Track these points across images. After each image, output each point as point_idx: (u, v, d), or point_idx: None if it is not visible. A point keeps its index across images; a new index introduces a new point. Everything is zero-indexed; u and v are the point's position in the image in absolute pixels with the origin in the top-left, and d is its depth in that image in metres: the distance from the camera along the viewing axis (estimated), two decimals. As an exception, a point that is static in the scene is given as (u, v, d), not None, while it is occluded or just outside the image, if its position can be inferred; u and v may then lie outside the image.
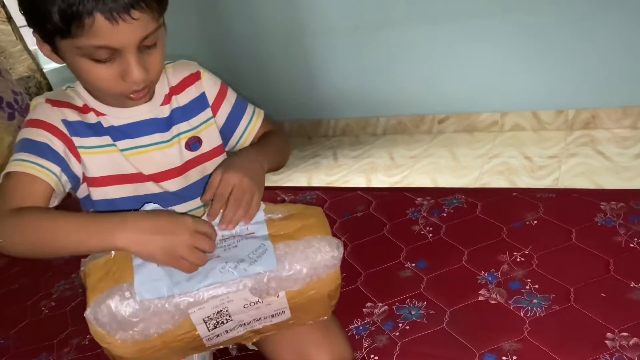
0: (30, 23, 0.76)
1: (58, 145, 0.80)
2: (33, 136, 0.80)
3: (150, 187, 0.87)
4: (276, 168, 0.93)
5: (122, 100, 0.82)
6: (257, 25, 2.77)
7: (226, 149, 0.96)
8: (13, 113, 1.59)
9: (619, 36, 2.20)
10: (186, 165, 0.90)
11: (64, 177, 0.80)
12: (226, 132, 0.95)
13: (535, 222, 1.12)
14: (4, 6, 1.84)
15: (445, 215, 1.22)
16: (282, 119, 2.91)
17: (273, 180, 2.48)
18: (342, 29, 2.62)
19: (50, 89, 1.96)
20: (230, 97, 0.95)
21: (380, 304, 0.99)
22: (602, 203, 1.13)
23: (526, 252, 1.04)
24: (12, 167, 0.77)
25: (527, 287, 0.95)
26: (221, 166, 0.81)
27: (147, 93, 0.81)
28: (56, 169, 0.79)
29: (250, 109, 0.97)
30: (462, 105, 2.58)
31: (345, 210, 1.33)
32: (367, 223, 1.26)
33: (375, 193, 1.39)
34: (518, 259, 1.02)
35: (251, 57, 2.85)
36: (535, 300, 0.92)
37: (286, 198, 1.45)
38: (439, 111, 2.64)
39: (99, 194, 0.85)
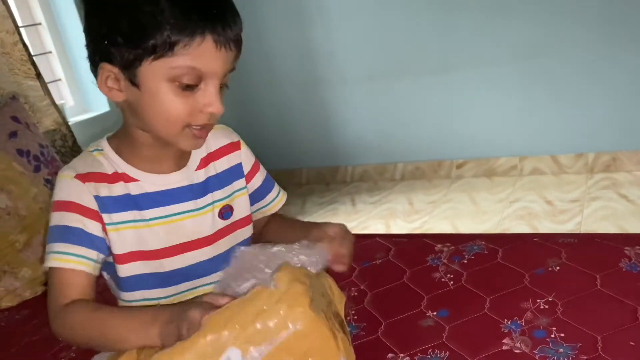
0: (116, 41, 0.73)
1: (93, 227, 0.80)
2: (66, 222, 0.79)
3: (177, 262, 0.85)
4: None
5: (180, 141, 0.80)
6: (275, 76, 2.84)
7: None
8: (39, 165, 1.64)
9: (637, 78, 2.20)
10: (217, 234, 0.88)
11: (102, 256, 0.81)
12: (252, 201, 0.96)
13: (558, 268, 1.10)
14: (33, 63, 1.92)
15: (466, 262, 1.20)
16: (300, 166, 2.94)
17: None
18: (357, 78, 2.68)
19: (74, 142, 2.01)
20: (262, 172, 0.98)
21: (402, 355, 0.97)
22: (626, 248, 1.11)
23: (550, 300, 1.01)
24: (51, 261, 0.79)
25: (553, 336, 0.92)
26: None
27: (207, 133, 0.81)
28: (93, 254, 0.80)
29: (276, 188, 1.01)
30: (480, 150, 2.58)
31: (364, 258, 1.32)
32: (387, 270, 1.24)
33: (394, 240, 1.38)
34: (542, 307, 1.00)
35: (270, 107, 2.91)
36: (561, 350, 0.89)
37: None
38: (457, 156, 2.64)
39: (124, 270, 0.83)
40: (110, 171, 0.82)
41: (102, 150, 0.84)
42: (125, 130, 0.84)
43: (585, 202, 2.16)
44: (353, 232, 2.56)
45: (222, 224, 0.89)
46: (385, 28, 2.55)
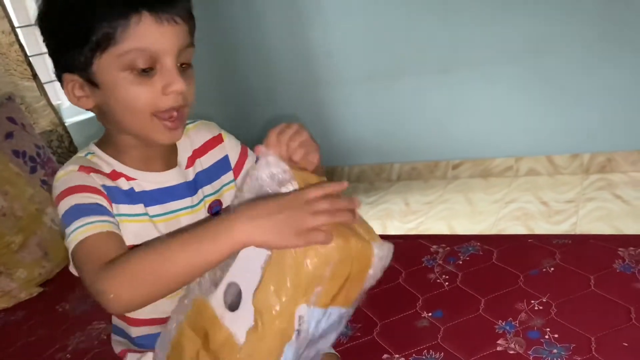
0: (65, 48, 0.74)
1: (106, 204, 0.76)
2: (81, 201, 0.74)
3: None
4: None
5: (154, 135, 0.77)
6: (273, 76, 2.85)
7: None
8: (35, 166, 1.64)
9: (633, 79, 2.21)
10: None
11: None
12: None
13: (552, 269, 1.11)
14: (29, 64, 1.92)
15: (461, 262, 1.21)
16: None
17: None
18: (354, 79, 2.68)
19: (71, 142, 2.01)
20: (252, 156, 0.94)
21: (397, 356, 0.97)
22: (620, 249, 1.12)
23: (544, 300, 1.02)
24: (78, 236, 0.71)
25: (547, 337, 0.93)
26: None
27: (182, 117, 0.78)
28: (114, 220, 0.75)
29: None
30: (476, 151, 2.59)
31: (360, 259, 1.32)
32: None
33: (390, 240, 1.38)
34: (536, 308, 1.01)
35: (267, 107, 2.92)
36: (555, 350, 0.90)
37: (301, 247, 1.45)
38: (453, 157, 2.65)
39: None
40: (108, 170, 0.81)
41: (93, 153, 0.83)
42: (107, 136, 0.84)
43: (580, 202, 2.16)
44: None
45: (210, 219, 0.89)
46: (382, 29, 2.56)
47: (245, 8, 2.76)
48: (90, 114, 0.83)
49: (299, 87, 2.82)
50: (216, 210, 0.89)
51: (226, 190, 0.91)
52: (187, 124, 0.91)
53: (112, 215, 0.76)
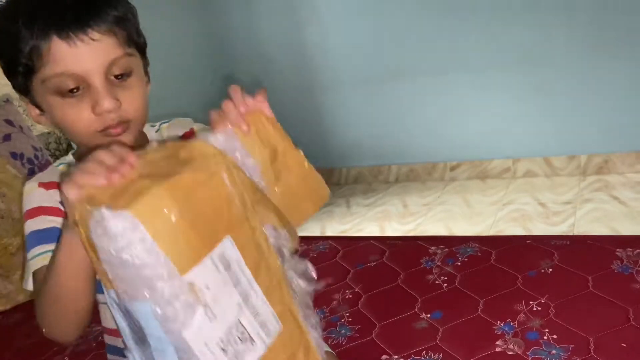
0: (9, 77, 0.75)
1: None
2: (39, 225, 0.77)
3: None
4: None
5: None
6: (270, 78, 2.85)
7: None
8: (33, 168, 1.63)
9: (629, 81, 2.22)
10: None
11: None
12: None
13: (550, 270, 1.11)
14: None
15: (459, 264, 1.21)
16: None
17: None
18: (351, 81, 2.69)
19: (69, 145, 2.01)
20: None
21: (396, 357, 0.97)
22: (617, 250, 1.12)
23: (542, 301, 1.02)
24: (32, 266, 0.74)
25: (545, 338, 0.93)
26: None
27: (125, 130, 0.74)
28: None
29: None
30: (474, 152, 2.59)
31: (358, 260, 1.32)
32: (381, 273, 1.25)
33: (388, 242, 1.39)
34: (534, 308, 1.01)
35: (264, 109, 2.91)
36: (554, 351, 0.90)
37: (308, 247, 1.45)
38: (451, 158, 2.65)
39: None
40: None
41: (67, 163, 0.83)
42: (77, 146, 0.84)
43: (578, 204, 2.17)
44: (348, 234, 2.54)
45: None
46: (380, 32, 2.56)
47: (242, 11, 2.76)
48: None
49: (297, 89, 2.82)
50: None
51: None
52: (162, 123, 0.90)
53: None
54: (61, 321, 0.69)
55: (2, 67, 0.76)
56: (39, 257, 0.74)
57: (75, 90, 0.70)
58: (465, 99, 2.51)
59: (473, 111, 2.51)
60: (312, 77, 2.77)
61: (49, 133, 1.97)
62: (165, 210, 0.55)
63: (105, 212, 0.53)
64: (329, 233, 2.37)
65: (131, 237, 0.53)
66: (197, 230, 0.57)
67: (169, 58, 2.58)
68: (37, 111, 0.76)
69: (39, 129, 1.93)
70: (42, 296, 0.69)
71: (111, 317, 0.69)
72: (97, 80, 0.70)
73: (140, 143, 0.81)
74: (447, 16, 2.41)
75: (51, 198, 0.78)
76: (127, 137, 0.76)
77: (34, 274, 0.74)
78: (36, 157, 1.66)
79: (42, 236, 0.76)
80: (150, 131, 0.88)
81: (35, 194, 0.79)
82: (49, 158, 1.75)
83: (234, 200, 0.62)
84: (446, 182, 2.64)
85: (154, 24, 2.52)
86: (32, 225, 0.77)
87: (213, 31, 2.81)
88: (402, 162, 2.76)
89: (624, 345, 0.88)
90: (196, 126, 0.90)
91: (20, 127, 1.68)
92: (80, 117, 0.71)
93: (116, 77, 0.72)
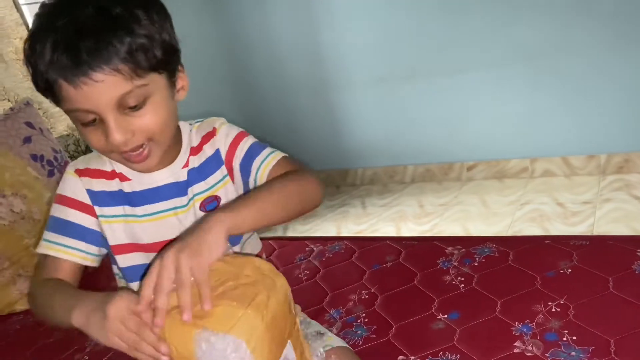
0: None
1: (86, 221, 0.85)
2: (60, 214, 0.86)
3: None
4: (282, 215, 0.80)
5: (127, 165, 0.82)
6: (284, 79, 2.85)
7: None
8: (52, 170, 1.66)
9: (648, 79, 2.19)
10: None
11: (94, 248, 0.86)
12: (244, 175, 0.89)
13: (569, 270, 1.10)
14: (47, 69, 1.95)
15: (476, 264, 1.20)
16: (309, 169, 2.94)
17: (300, 230, 2.49)
18: (366, 81, 2.68)
19: (87, 146, 2.04)
20: (246, 141, 0.90)
21: (413, 357, 0.97)
22: (639, 250, 1.10)
23: (562, 302, 1.01)
24: (43, 248, 0.85)
25: (565, 339, 0.92)
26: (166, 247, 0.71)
27: (146, 155, 0.79)
28: (81, 244, 0.85)
29: (267, 150, 0.89)
30: (491, 152, 2.57)
31: (374, 261, 1.32)
32: (397, 273, 1.25)
33: (404, 242, 1.38)
34: (553, 309, 1.00)
35: (280, 111, 2.92)
36: (573, 353, 0.89)
37: (315, 248, 1.45)
38: (467, 158, 2.63)
39: (123, 261, 0.88)
40: (109, 169, 0.87)
41: None
42: None
43: (597, 204, 2.14)
44: (363, 234, 2.54)
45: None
46: (394, 31, 2.55)
47: (256, 11, 2.77)
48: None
49: (311, 90, 2.82)
50: (212, 207, 0.88)
51: (222, 185, 0.89)
52: (197, 122, 0.93)
53: (82, 236, 0.85)
54: (48, 322, 0.82)
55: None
56: (49, 243, 0.85)
57: (93, 121, 0.75)
58: (481, 98, 2.49)
59: (490, 110, 2.49)
60: (327, 78, 2.77)
61: (68, 135, 2.00)
62: (257, 329, 0.66)
63: (210, 334, 0.65)
64: (344, 233, 2.37)
65: (234, 355, 0.65)
66: (275, 341, 0.69)
67: (184, 58, 2.59)
68: None
69: (59, 131, 1.96)
70: (36, 301, 0.82)
71: None
72: (108, 115, 0.73)
73: (174, 144, 0.87)
74: (462, 14, 2.39)
75: (79, 186, 0.86)
76: (154, 159, 0.81)
77: (41, 254, 0.86)
78: (56, 159, 1.69)
79: (58, 225, 0.85)
80: (185, 129, 0.91)
81: (66, 181, 0.87)
82: (69, 160, 1.77)
83: (291, 309, 0.74)
84: (463, 182, 2.62)
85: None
86: (55, 210, 0.86)
87: (227, 32, 2.83)
88: (418, 162, 2.75)
89: (646, 347, 0.87)
90: (218, 124, 0.92)
91: (41, 130, 1.71)
92: (99, 144, 0.77)
93: (130, 108, 0.74)
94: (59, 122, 1.98)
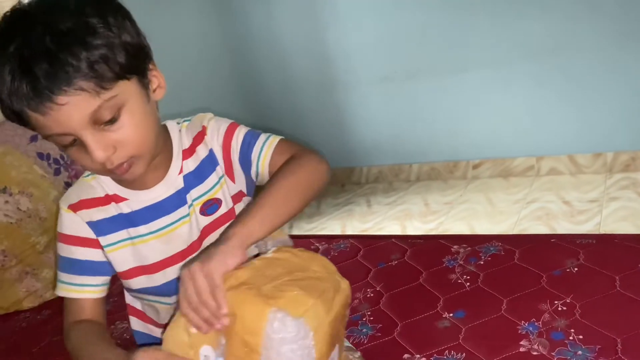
0: None
1: (93, 255, 0.85)
2: (66, 253, 0.86)
3: (177, 271, 0.82)
4: (292, 211, 0.78)
5: (116, 178, 0.81)
6: (290, 77, 2.85)
7: (257, 183, 0.89)
8: (59, 168, 1.67)
9: (655, 77, 2.17)
10: (203, 233, 0.85)
11: (106, 278, 0.88)
12: (245, 168, 0.86)
13: (576, 269, 1.09)
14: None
15: (482, 263, 1.20)
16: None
17: (305, 229, 2.49)
18: (372, 79, 2.68)
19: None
20: (239, 133, 0.86)
21: (418, 356, 0.97)
22: (646, 249, 1.10)
23: (568, 301, 1.00)
24: (59, 290, 0.87)
25: (571, 338, 0.92)
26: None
27: (131, 166, 0.74)
28: (97, 280, 0.86)
29: (262, 137, 0.86)
30: (497, 150, 2.56)
31: (379, 259, 1.32)
32: (403, 272, 1.25)
33: (410, 241, 1.38)
34: (560, 308, 0.99)
35: (285, 109, 2.92)
36: (580, 352, 0.88)
37: (320, 247, 1.45)
38: (473, 157, 2.62)
39: (132, 284, 0.88)
40: (102, 194, 0.84)
41: (95, 175, 0.85)
42: None
43: (604, 202, 2.13)
44: (369, 233, 2.54)
45: (206, 220, 0.85)
46: (399, 29, 2.54)
47: (262, 11, 2.77)
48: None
49: (316, 88, 2.82)
50: (213, 211, 0.85)
51: (219, 188, 0.86)
52: (185, 121, 0.88)
53: (95, 270, 0.85)
54: None
55: None
56: (63, 284, 0.86)
57: (74, 142, 0.71)
58: (487, 96, 2.48)
59: (495, 108, 2.48)
60: (332, 77, 2.76)
61: (74, 133, 2.00)
62: (324, 322, 0.68)
63: (285, 315, 0.66)
64: (349, 232, 2.37)
65: (300, 342, 0.66)
66: (331, 340, 0.71)
67: (190, 58, 2.60)
68: None
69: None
70: (70, 351, 0.84)
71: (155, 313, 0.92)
72: (85, 135, 0.69)
73: (164, 146, 0.83)
74: (467, 12, 2.38)
75: (78, 222, 0.84)
76: (137, 169, 0.76)
77: (65, 299, 0.87)
78: (62, 157, 1.70)
79: (71, 265, 0.86)
80: (174, 129, 0.87)
81: (64, 219, 0.85)
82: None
83: (347, 314, 0.75)
84: (468, 181, 2.61)
85: (176, 25, 2.55)
86: (61, 250, 0.87)
87: (233, 31, 2.83)
88: (423, 160, 2.74)
89: (653, 346, 0.86)
90: (206, 121, 0.87)
91: (47, 128, 1.72)
92: (86, 164, 0.74)
93: (105, 123, 0.70)
94: (65, 121, 1.98)
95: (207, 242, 0.85)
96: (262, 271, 0.71)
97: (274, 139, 0.85)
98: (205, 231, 0.85)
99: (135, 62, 0.71)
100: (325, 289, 0.70)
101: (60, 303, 1.48)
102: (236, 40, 2.85)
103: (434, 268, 1.22)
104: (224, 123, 0.86)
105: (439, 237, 1.42)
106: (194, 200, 0.85)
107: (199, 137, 0.86)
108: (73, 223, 0.84)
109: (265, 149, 0.84)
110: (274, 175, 0.81)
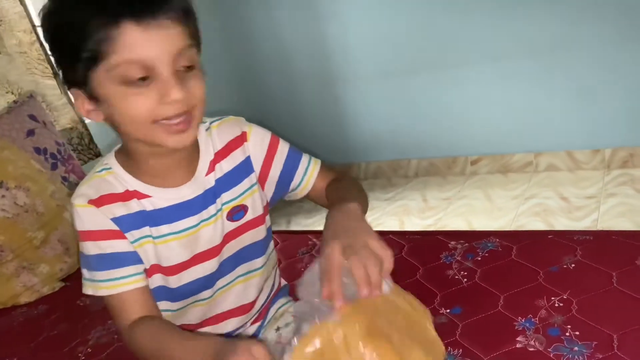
0: (64, 65, 0.74)
1: (124, 246, 0.79)
2: (96, 250, 0.79)
3: (193, 274, 0.84)
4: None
5: (161, 141, 0.74)
6: (289, 72, 2.85)
7: (285, 198, 0.92)
8: (56, 163, 1.66)
9: (654, 73, 2.17)
10: (225, 239, 0.85)
11: (144, 266, 0.81)
12: (283, 183, 0.89)
13: (573, 265, 1.09)
14: (50, 62, 1.95)
15: (479, 259, 1.19)
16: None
17: (304, 224, 2.49)
18: (371, 75, 2.67)
19: (91, 140, 2.04)
20: (283, 149, 0.89)
21: (415, 352, 0.96)
22: (643, 245, 1.10)
23: (565, 297, 1.00)
24: (102, 289, 0.79)
25: (567, 334, 0.92)
26: (329, 239, 0.71)
27: (189, 125, 0.74)
28: (137, 268, 0.80)
29: (305, 158, 0.91)
30: (495, 146, 2.56)
31: (377, 255, 1.31)
32: (400, 268, 1.23)
33: (407, 237, 1.38)
34: (556, 304, 0.99)
35: (284, 104, 2.92)
36: (576, 348, 0.88)
37: (317, 242, 1.45)
38: (472, 152, 2.62)
39: (150, 282, 0.83)
40: (121, 190, 0.80)
41: (110, 168, 0.81)
42: (124, 146, 0.81)
43: (601, 198, 2.13)
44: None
45: (230, 226, 0.85)
46: (399, 25, 2.54)
47: (261, 5, 2.76)
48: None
49: (316, 83, 2.82)
50: (239, 217, 0.85)
51: (250, 194, 0.86)
52: (213, 121, 0.87)
53: (134, 260, 0.80)
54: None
55: (58, 58, 0.74)
56: (105, 282, 0.79)
57: (142, 80, 0.69)
58: (485, 92, 2.47)
59: (494, 104, 2.48)
60: (332, 71, 2.76)
61: (71, 128, 2.00)
62: None
63: None
64: (348, 227, 2.36)
65: None
66: None
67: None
68: (90, 106, 0.75)
69: (62, 124, 1.96)
70: (146, 348, 0.76)
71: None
72: (166, 70, 0.69)
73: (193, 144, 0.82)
74: (468, 8, 2.38)
75: (101, 217, 0.78)
76: (192, 133, 0.76)
77: (105, 298, 0.80)
78: (59, 152, 1.69)
79: (106, 261, 0.79)
80: (201, 129, 0.85)
81: (85, 214, 0.79)
82: (72, 153, 1.78)
83: None
84: (467, 177, 2.61)
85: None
86: (92, 248, 0.79)
87: (234, 26, 2.82)
88: (422, 156, 2.74)
89: (649, 342, 0.86)
90: (247, 128, 0.88)
91: (44, 123, 1.71)
92: (145, 106, 0.70)
93: (182, 68, 0.72)
94: (63, 116, 1.98)
95: (228, 248, 0.85)
96: (387, 315, 0.68)
97: (317, 162, 0.92)
98: (228, 237, 0.85)
99: (201, 43, 0.77)
100: (438, 353, 0.72)
101: (56, 298, 1.49)
102: (236, 35, 2.84)
103: (432, 264, 1.22)
104: (267, 133, 0.88)
105: (436, 233, 1.42)
106: (224, 204, 0.84)
107: (238, 141, 0.86)
108: (97, 218, 0.78)
109: (310, 171, 0.90)
110: (337, 183, 0.89)
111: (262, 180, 0.88)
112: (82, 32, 0.68)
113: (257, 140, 0.87)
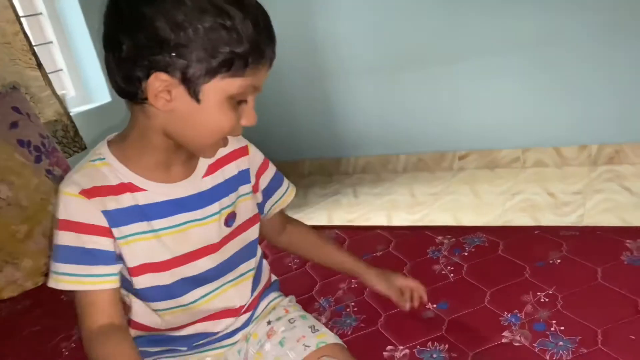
0: (189, 57, 0.69)
1: (106, 244, 0.78)
2: (75, 242, 0.77)
3: (186, 271, 0.84)
4: None
5: (208, 152, 0.81)
6: (279, 67, 2.82)
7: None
8: (40, 156, 1.64)
9: (641, 70, 2.19)
10: (223, 241, 0.88)
11: (119, 267, 0.81)
12: (262, 202, 0.96)
13: (559, 261, 1.10)
14: (34, 53, 1.92)
15: (466, 254, 1.20)
16: (303, 157, 2.93)
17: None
18: (360, 70, 2.67)
19: (76, 132, 2.01)
20: (271, 169, 0.97)
21: (401, 347, 0.97)
22: (627, 241, 1.11)
23: (550, 292, 1.01)
24: (73, 284, 0.78)
25: (553, 329, 0.92)
26: (390, 280, 1.02)
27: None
28: (114, 268, 0.79)
29: (285, 183, 1.00)
30: (483, 142, 2.57)
31: (365, 250, 1.32)
32: (387, 263, 1.24)
33: (395, 232, 1.37)
34: (542, 300, 1.00)
35: (273, 98, 2.90)
36: (561, 343, 0.89)
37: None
38: (460, 148, 2.63)
39: (139, 283, 0.82)
40: (115, 182, 0.79)
41: (104, 159, 0.79)
42: (137, 133, 0.79)
43: (588, 194, 2.15)
44: (355, 223, 2.54)
45: (227, 231, 0.88)
46: (389, 20, 2.53)
47: (250, -3, 2.74)
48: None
49: (306, 78, 2.81)
50: (231, 223, 0.88)
51: (241, 201, 0.90)
52: None
53: (109, 259, 0.79)
54: None
55: (177, 44, 0.68)
56: (78, 277, 0.78)
57: (241, 102, 0.76)
58: (474, 88, 2.48)
59: (482, 100, 2.49)
60: (322, 66, 2.75)
61: (56, 121, 1.97)
62: None
63: None
64: (335, 222, 2.37)
65: None
66: None
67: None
68: (167, 95, 0.71)
69: (46, 116, 1.93)
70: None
71: (143, 312, 0.86)
72: (252, 99, 0.78)
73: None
74: (457, 4, 2.38)
75: (91, 209, 0.77)
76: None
77: (75, 293, 0.79)
78: (43, 144, 1.67)
79: (84, 255, 0.78)
80: None
81: (73, 204, 0.77)
82: (56, 145, 1.75)
83: None
84: (455, 172, 2.62)
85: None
86: (72, 239, 0.78)
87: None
88: (410, 151, 2.74)
89: (633, 337, 0.87)
90: (249, 145, 0.94)
91: (28, 115, 1.68)
92: (233, 122, 0.76)
93: None
94: (47, 107, 1.95)
95: (225, 249, 0.88)
96: None
97: (293, 191, 1.01)
98: (226, 240, 0.88)
99: None
100: None
101: (39, 293, 1.47)
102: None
103: (419, 259, 1.22)
104: (260, 154, 0.96)
105: (423, 228, 1.42)
106: (223, 209, 0.87)
107: (241, 152, 0.91)
108: (86, 210, 0.76)
109: (284, 198, 0.99)
110: (315, 235, 1.07)
111: (254, 191, 0.94)
112: (245, 44, 0.71)
113: (256, 156, 0.94)
